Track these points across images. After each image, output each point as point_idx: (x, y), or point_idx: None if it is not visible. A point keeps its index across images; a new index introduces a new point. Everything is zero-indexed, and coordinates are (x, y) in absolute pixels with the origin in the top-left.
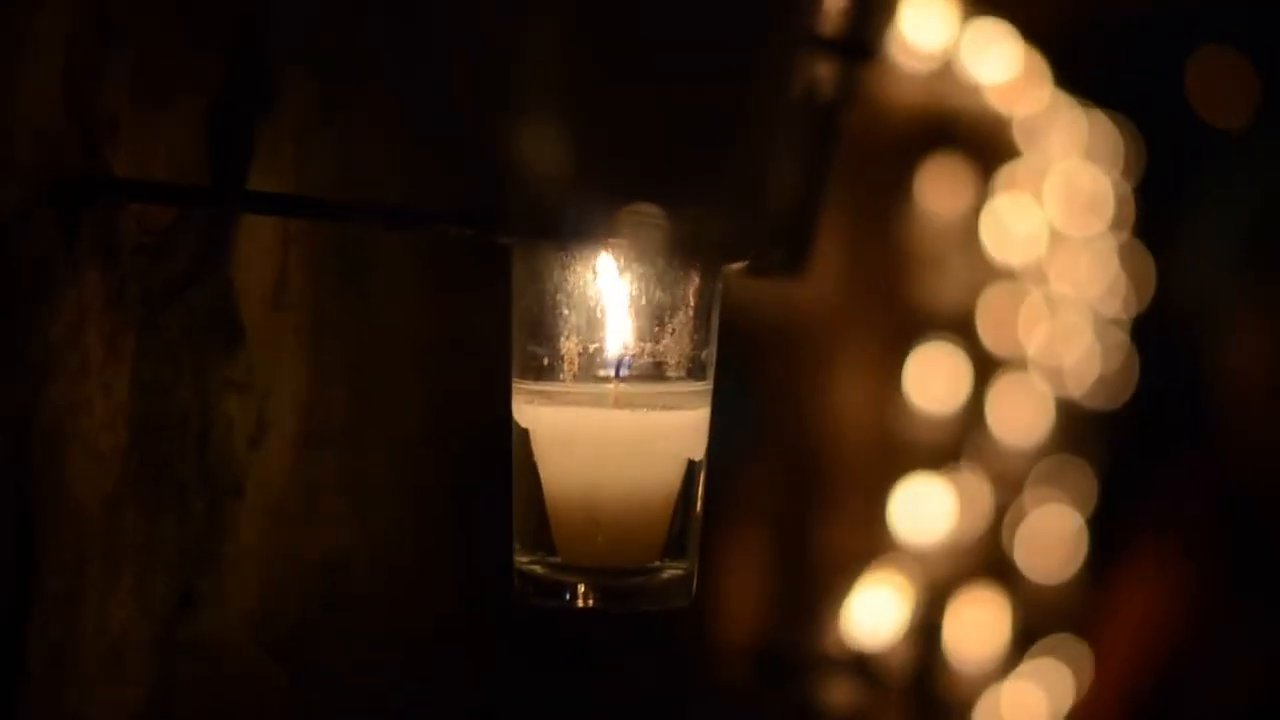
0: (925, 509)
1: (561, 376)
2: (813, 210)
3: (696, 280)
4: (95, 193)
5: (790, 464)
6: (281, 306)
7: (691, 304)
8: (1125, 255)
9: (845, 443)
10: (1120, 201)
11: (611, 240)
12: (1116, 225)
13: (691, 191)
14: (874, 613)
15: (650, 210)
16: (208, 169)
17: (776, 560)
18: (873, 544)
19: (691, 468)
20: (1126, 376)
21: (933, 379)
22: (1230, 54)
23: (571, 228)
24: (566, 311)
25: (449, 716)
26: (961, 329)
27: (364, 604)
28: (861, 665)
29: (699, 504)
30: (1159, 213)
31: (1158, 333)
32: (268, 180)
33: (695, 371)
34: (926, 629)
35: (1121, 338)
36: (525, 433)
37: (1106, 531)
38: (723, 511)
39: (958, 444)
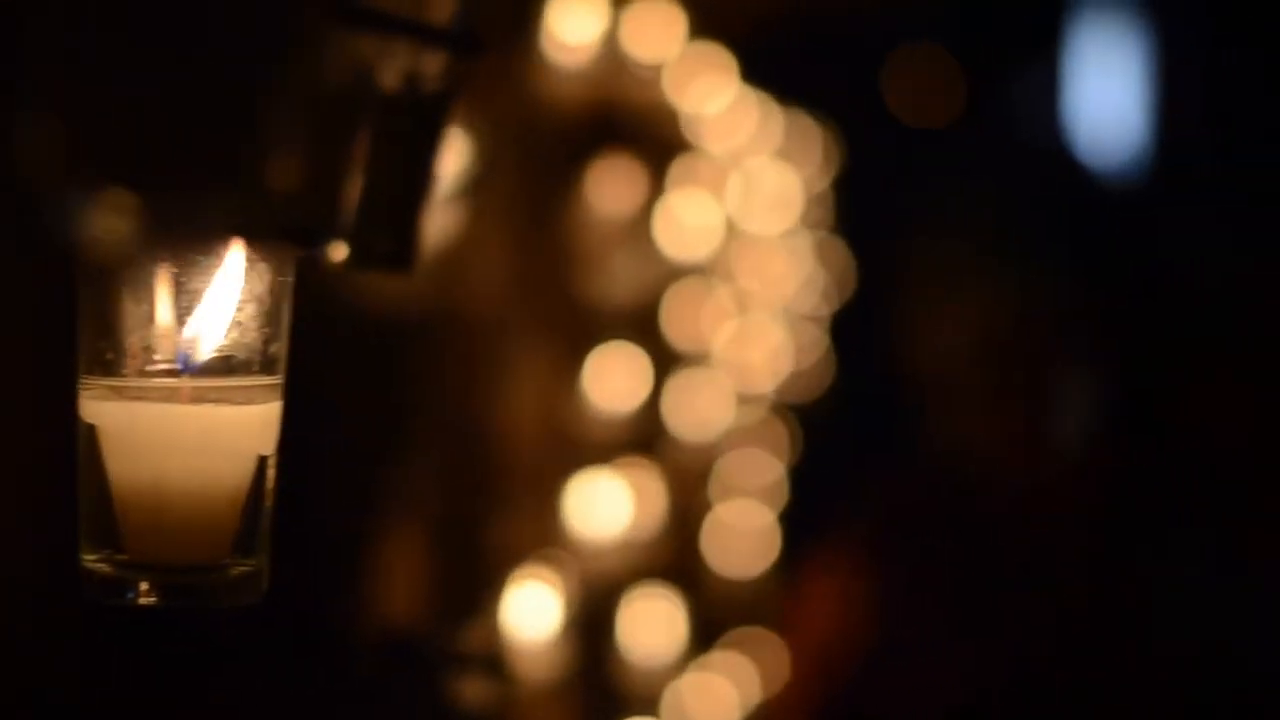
0: (601, 505)
1: (126, 371)
2: (415, 203)
3: (266, 273)
4: None
5: (459, 461)
6: None
7: (260, 297)
8: (822, 252)
9: (519, 440)
10: (816, 199)
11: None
12: (812, 222)
13: (217, 177)
14: (540, 609)
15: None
16: None
17: (439, 558)
18: (544, 541)
19: (262, 463)
20: (823, 373)
21: (612, 375)
22: (933, 53)
23: (69, 219)
24: (131, 305)
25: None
26: (643, 326)
27: None
28: (515, 662)
29: (270, 499)
30: (859, 210)
31: (856, 330)
32: None
33: (265, 366)
34: (601, 624)
35: (818, 334)
36: (91, 429)
37: (799, 527)
38: (385, 508)
39: (638, 440)
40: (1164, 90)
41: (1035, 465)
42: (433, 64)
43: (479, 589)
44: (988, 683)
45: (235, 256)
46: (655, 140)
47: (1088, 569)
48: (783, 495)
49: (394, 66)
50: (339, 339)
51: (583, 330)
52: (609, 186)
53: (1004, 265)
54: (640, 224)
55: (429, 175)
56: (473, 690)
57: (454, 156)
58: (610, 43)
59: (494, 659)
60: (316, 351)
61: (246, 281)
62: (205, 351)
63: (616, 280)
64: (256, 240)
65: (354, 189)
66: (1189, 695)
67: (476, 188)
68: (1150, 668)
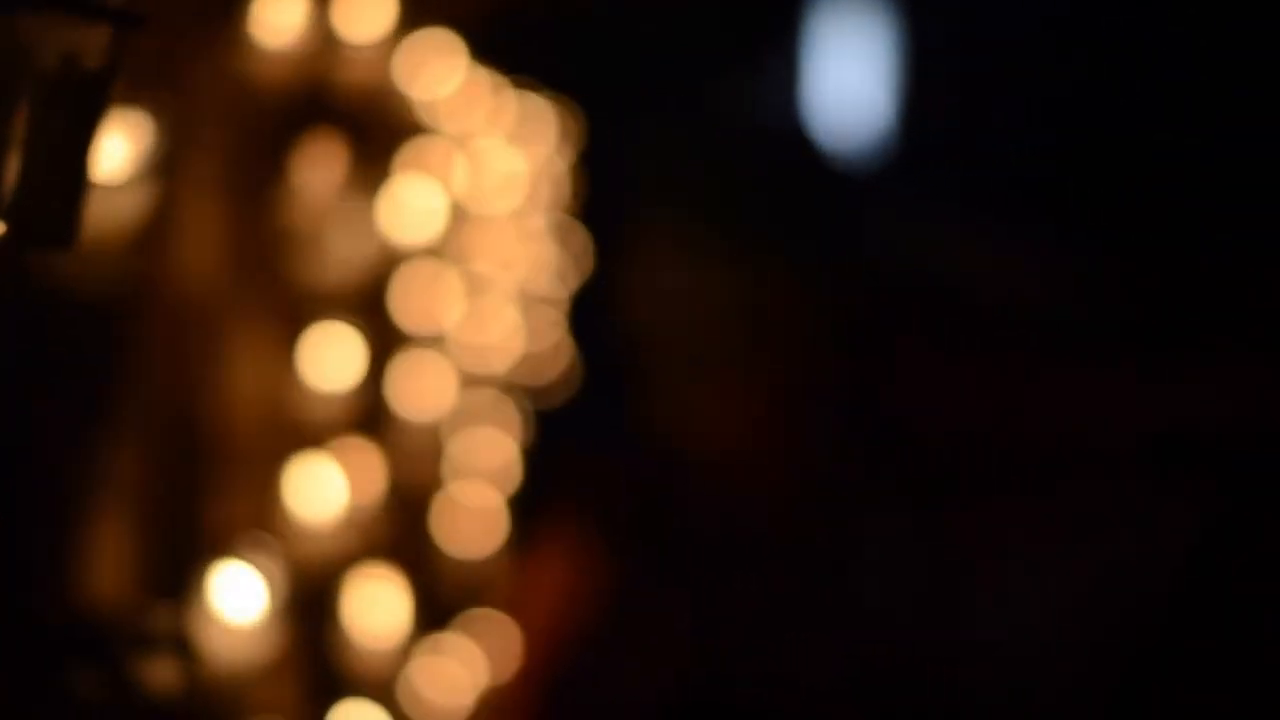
0: (319, 487)
1: None
2: (75, 182)
3: None
4: None
5: (169, 444)
6: None
7: None
8: (559, 234)
9: (233, 421)
10: (552, 180)
11: None
12: (548, 204)
13: None
14: (246, 591)
15: None
16: None
17: (147, 541)
18: (257, 523)
19: None
20: (559, 355)
21: (332, 357)
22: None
23: None
24: None
25: None
26: (370, 307)
27: None
28: (213, 644)
29: None
30: (596, 191)
31: (594, 312)
32: None
33: None
34: (322, 607)
35: (554, 316)
36: None
37: (530, 508)
38: (91, 491)
39: (362, 421)
40: (906, 75)
41: (753, 446)
42: (93, 40)
43: (186, 572)
44: (715, 662)
45: None
46: (377, 122)
47: (798, 548)
48: (514, 476)
49: (51, 43)
50: (47, 321)
51: (300, 311)
52: (327, 168)
53: (733, 248)
54: (364, 205)
55: (89, 153)
56: (160, 673)
57: (144, 135)
58: (322, 24)
59: (182, 641)
60: (21, 333)
61: None
62: None
63: (337, 261)
64: None
65: (10, 168)
66: (891, 672)
67: (177, 166)
68: (851, 646)
